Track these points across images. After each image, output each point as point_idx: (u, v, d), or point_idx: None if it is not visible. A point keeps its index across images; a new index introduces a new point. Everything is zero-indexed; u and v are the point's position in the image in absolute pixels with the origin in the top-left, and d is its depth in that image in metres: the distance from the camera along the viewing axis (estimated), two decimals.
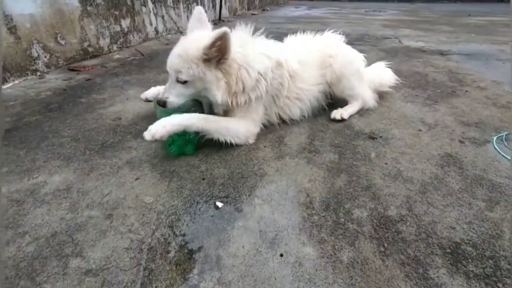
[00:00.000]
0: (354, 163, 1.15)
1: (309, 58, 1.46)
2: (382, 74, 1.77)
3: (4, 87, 1.87)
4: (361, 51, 2.94)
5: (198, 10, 1.26)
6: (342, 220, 0.87)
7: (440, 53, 2.91)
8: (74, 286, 0.67)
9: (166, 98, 1.14)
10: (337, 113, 1.49)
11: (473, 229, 0.83)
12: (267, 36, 1.37)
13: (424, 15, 6.41)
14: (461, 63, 2.55)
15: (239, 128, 1.23)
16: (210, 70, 1.10)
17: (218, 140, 1.19)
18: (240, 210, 0.91)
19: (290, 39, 1.58)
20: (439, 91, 1.89)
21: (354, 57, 1.61)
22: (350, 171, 1.09)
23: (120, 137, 1.31)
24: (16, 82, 1.95)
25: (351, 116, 1.52)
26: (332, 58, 1.49)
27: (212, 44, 1.03)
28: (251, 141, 1.27)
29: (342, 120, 1.47)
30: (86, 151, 1.22)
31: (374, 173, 1.08)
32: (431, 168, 1.11)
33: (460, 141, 1.30)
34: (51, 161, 1.15)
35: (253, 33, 1.30)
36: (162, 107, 1.16)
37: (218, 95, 1.13)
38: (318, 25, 4.76)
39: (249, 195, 0.97)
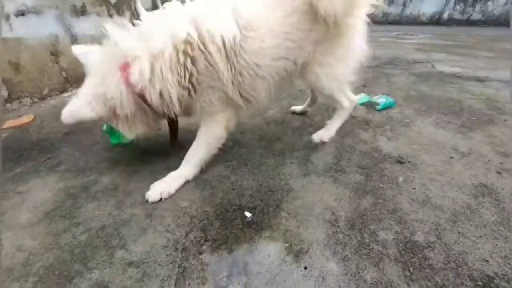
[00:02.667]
0: (381, 185, 1.16)
1: (264, 17, 0.99)
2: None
3: (65, 95, 2.15)
4: (390, 74, 2.98)
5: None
6: (367, 240, 0.88)
7: (477, 79, 2.81)
8: (119, 274, 0.76)
9: None
10: (316, 136, 1.36)
11: (509, 264, 0.80)
12: None
13: (460, 39, 6.21)
14: (500, 91, 2.44)
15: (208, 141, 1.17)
16: None
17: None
18: (267, 221, 0.96)
19: None
20: (474, 118, 1.83)
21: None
22: (376, 193, 1.10)
23: (160, 146, 1.44)
24: (75, 92, 2.23)
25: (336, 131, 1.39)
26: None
27: None
28: (230, 129, 1.17)
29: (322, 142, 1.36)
30: (130, 156, 1.36)
31: (401, 197, 1.08)
32: (463, 197, 1.08)
33: (498, 172, 1.25)
34: (101, 163, 1.30)
35: None
36: None
37: (124, 132, 1.07)
38: None
39: (276, 208, 1.02)
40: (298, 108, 1.88)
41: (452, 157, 1.36)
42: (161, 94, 0.96)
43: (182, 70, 0.95)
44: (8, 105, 1.82)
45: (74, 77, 2.23)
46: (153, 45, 0.92)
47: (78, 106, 0.96)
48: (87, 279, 0.75)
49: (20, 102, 1.89)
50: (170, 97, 0.97)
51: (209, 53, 0.94)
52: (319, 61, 1.14)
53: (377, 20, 11.60)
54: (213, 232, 0.91)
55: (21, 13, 1.79)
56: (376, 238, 0.89)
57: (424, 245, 0.86)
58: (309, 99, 1.82)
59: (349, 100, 1.38)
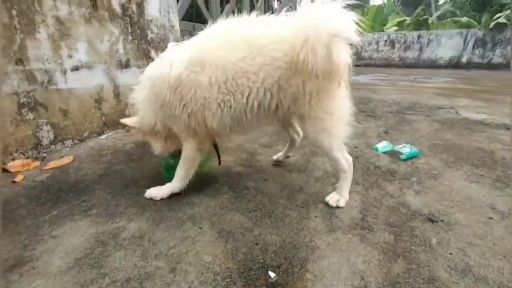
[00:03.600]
0: (413, 248, 1.09)
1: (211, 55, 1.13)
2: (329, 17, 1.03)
3: (101, 137, 2.34)
4: (413, 121, 2.96)
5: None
6: None
7: (507, 127, 2.72)
8: None
9: None
10: (331, 201, 1.36)
11: None
12: None
13: (483, 84, 6.15)
14: None
15: (190, 153, 1.38)
16: None
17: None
18: (291, 283, 0.92)
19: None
20: (510, 172, 1.73)
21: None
22: (408, 257, 1.04)
23: (185, 193, 1.48)
24: (110, 134, 2.43)
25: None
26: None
27: None
28: (204, 151, 1.43)
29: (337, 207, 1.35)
30: (157, 202, 1.40)
31: (437, 264, 1.00)
32: (510, 267, 0.98)
33: None
34: (130, 208, 1.35)
35: None
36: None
37: (158, 151, 1.52)
38: (366, 92, 4.95)
39: (300, 269, 0.98)
40: (279, 155, 1.84)
41: (490, 218, 1.27)
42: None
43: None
44: (52, 146, 2.01)
45: (112, 121, 2.44)
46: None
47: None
48: None
49: (63, 144, 2.08)
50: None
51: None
52: (309, 115, 1.20)
53: (394, 64, 11.98)
54: None
55: (75, 68, 2.07)
56: None
57: None
58: (287, 144, 1.80)
59: (346, 160, 1.33)
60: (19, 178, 1.60)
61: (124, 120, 1.53)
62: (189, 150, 1.37)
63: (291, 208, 1.35)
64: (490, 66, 10.26)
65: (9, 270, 0.97)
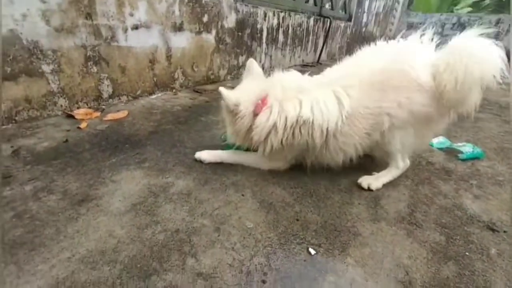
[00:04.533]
0: (467, 253, 1.01)
1: (357, 107, 1.19)
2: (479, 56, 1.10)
3: (152, 97, 2.46)
4: (478, 119, 2.63)
5: (250, 62, 1.44)
6: None
7: None
8: (189, 283, 0.81)
9: None
10: (364, 181, 1.33)
11: None
12: None
13: None
14: None
15: (262, 163, 1.43)
16: (226, 114, 1.33)
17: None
18: (332, 264, 0.92)
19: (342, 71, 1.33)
20: None
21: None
22: (461, 262, 0.96)
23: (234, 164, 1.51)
24: (159, 95, 2.54)
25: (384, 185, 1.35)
26: (399, 107, 1.16)
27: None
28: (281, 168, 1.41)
29: (369, 190, 1.32)
30: (202, 164, 1.47)
31: (494, 275, 0.92)
32: None
33: None
34: (177, 166, 1.43)
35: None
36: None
37: (228, 131, 1.38)
38: None
39: (341, 252, 0.97)
40: None
41: None
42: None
43: None
44: (110, 100, 2.16)
45: (162, 83, 2.54)
46: None
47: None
48: (162, 279, 0.82)
49: (119, 99, 2.23)
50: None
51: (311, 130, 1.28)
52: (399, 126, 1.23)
53: None
54: (277, 262, 0.91)
55: (135, 27, 2.14)
56: None
57: None
58: None
59: (404, 163, 1.40)
60: (83, 125, 1.77)
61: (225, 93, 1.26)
62: (265, 166, 1.44)
63: (334, 191, 1.32)
64: None
65: (78, 203, 1.11)
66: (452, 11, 11.80)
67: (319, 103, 1.20)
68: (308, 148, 1.29)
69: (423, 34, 1.21)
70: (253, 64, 1.42)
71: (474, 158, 1.78)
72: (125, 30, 2.07)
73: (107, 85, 2.10)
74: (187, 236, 0.98)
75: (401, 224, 1.13)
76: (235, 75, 3.46)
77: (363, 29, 7.93)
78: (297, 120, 1.20)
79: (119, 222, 1.03)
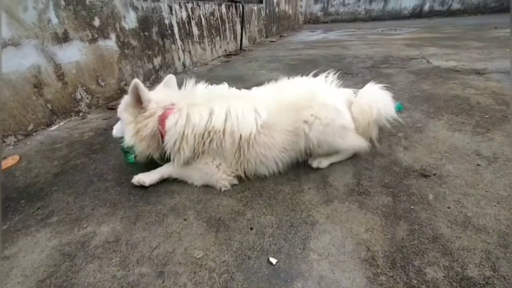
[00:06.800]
0: (412, 207, 1.05)
1: (274, 120, 1.20)
2: (377, 103, 1.35)
3: (51, 129, 2.00)
4: (388, 74, 2.92)
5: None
6: (415, 282, 0.77)
7: (477, 72, 2.77)
8: None
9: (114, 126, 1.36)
10: (314, 162, 1.34)
11: None
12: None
13: (446, 31, 6.26)
14: (503, 83, 2.39)
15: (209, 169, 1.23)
16: (129, 113, 1.19)
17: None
18: (296, 267, 0.84)
19: (260, 90, 1.38)
20: (487, 116, 1.76)
21: (335, 114, 1.23)
22: (410, 218, 1.00)
23: (162, 181, 1.31)
24: (62, 123, 2.08)
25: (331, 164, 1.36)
26: (307, 125, 1.20)
27: (130, 92, 1.14)
28: (224, 187, 1.22)
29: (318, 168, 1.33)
30: (130, 196, 1.22)
31: (437, 220, 0.98)
32: (505, 213, 0.98)
33: None
34: (98, 208, 1.16)
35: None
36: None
37: (126, 136, 1.21)
38: (338, 49, 4.80)
39: (303, 249, 0.90)
40: None
41: (478, 165, 1.27)
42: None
43: None
44: None
45: (60, 108, 2.08)
46: None
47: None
48: None
49: (4, 141, 1.73)
50: None
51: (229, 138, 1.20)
52: None
53: (360, 18, 11.79)
54: None
55: None
56: (425, 277, 0.78)
57: (481, 281, 0.76)
58: None
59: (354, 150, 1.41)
60: None
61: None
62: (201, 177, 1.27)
63: (283, 183, 1.25)
64: (450, 13, 10.49)
65: None
66: None
67: (234, 111, 1.17)
68: (224, 156, 1.20)
69: (327, 76, 1.44)
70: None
71: (397, 111, 1.93)
72: None
73: None
74: None
75: (351, 197, 1.13)
76: (154, 80, 3.11)
77: (276, 9, 8.13)
78: (205, 126, 1.15)
79: None
